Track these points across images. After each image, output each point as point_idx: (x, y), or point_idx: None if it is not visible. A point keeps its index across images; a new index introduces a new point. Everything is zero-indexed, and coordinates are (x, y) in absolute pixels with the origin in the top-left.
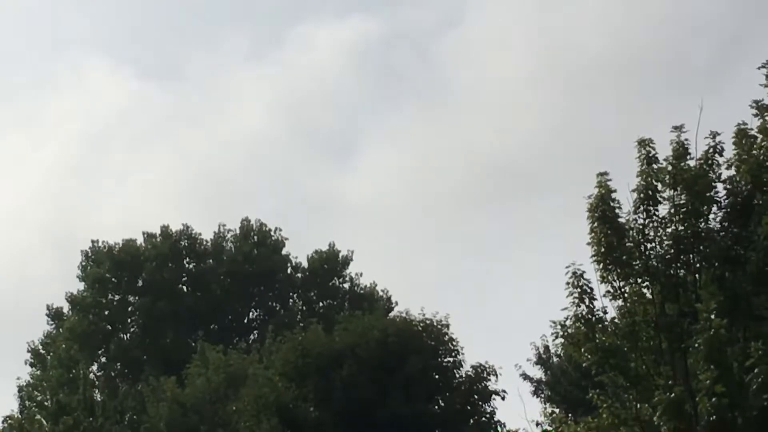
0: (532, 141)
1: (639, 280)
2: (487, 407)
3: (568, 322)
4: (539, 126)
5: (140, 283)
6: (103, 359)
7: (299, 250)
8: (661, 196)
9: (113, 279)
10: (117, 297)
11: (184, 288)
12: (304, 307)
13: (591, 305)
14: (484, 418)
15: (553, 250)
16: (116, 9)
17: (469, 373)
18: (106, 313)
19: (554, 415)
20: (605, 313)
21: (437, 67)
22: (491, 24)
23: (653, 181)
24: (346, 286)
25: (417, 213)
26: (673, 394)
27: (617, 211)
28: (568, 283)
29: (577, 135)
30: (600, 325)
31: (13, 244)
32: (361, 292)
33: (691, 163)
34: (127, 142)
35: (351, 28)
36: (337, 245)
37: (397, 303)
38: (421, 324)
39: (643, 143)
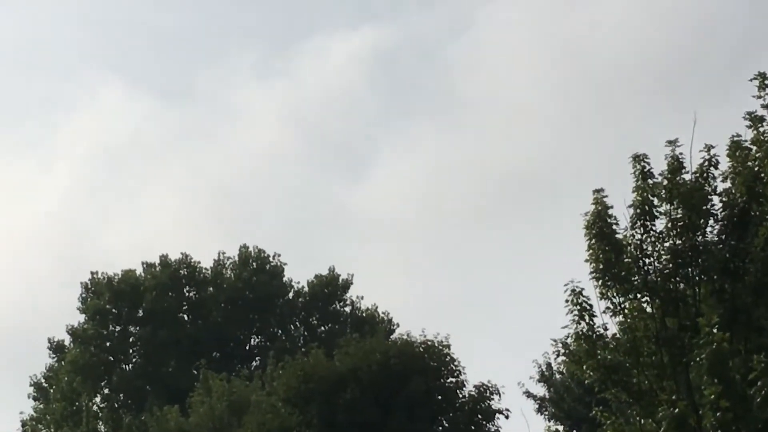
0: (545, 152)
1: (638, 296)
2: (491, 426)
3: (569, 340)
4: (552, 136)
5: (141, 313)
6: (106, 391)
7: (300, 275)
8: (657, 211)
9: (113, 310)
10: (118, 328)
11: (185, 316)
12: (306, 332)
13: (591, 322)
14: None
15: (564, 265)
16: (124, 28)
17: (472, 392)
18: (108, 344)
19: None
20: (606, 329)
21: (449, 77)
22: (503, 32)
23: (649, 196)
24: (347, 309)
25: (426, 228)
26: (676, 409)
27: (614, 227)
28: (567, 301)
29: (593, 145)
30: (601, 342)
31: (21, 272)
32: (362, 315)
33: (687, 176)
34: (140, 161)
35: (361, 39)
36: (345, 260)
37: (398, 325)
38: (423, 345)
39: (638, 158)
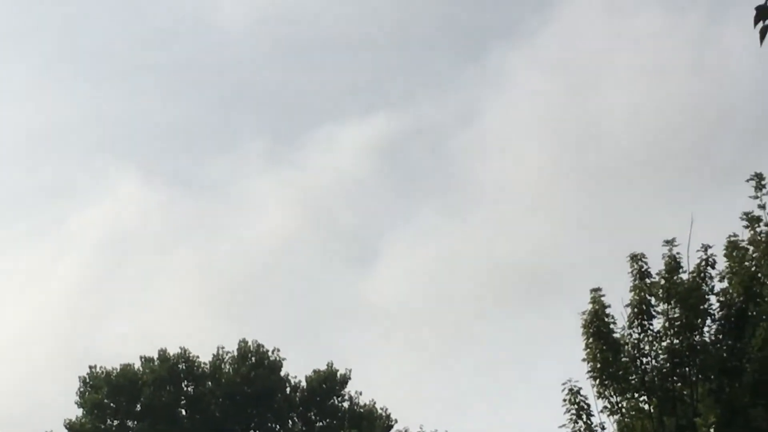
0: (549, 245)
1: (636, 395)
2: None
3: None
4: (557, 229)
5: (139, 407)
6: None
7: (302, 368)
8: (655, 311)
9: (111, 404)
10: (116, 422)
11: (183, 411)
12: (304, 428)
13: (589, 421)
14: None
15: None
16: (138, 118)
17: None
18: None
19: None
20: (603, 429)
21: (456, 167)
22: (510, 123)
23: (647, 295)
24: (346, 405)
25: (430, 321)
26: None
27: (612, 326)
28: (564, 400)
29: (595, 240)
30: None
31: (22, 363)
32: (361, 410)
33: (684, 276)
34: (149, 252)
35: (370, 128)
36: (349, 352)
37: (396, 421)
38: None
39: (635, 258)
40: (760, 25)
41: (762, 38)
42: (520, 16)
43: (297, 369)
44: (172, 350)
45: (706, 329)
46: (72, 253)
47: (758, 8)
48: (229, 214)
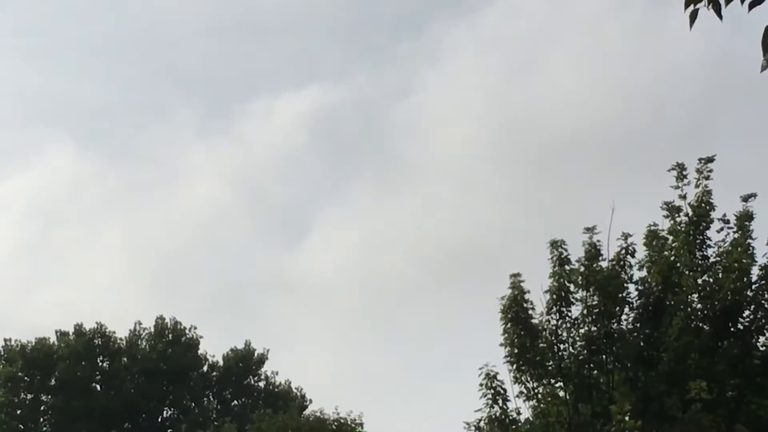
0: (479, 224)
1: (552, 381)
2: None
3: (482, 424)
4: (488, 209)
5: (53, 381)
6: None
7: (219, 346)
8: (573, 297)
9: (26, 378)
10: (30, 396)
11: (98, 387)
12: (219, 406)
13: (505, 406)
14: None
15: (485, 346)
16: (66, 87)
17: None
18: (18, 412)
19: None
20: (519, 414)
21: (392, 142)
22: (446, 97)
23: (566, 282)
24: (262, 384)
25: (356, 299)
26: None
27: (530, 312)
28: (481, 384)
29: (532, 218)
30: (514, 426)
31: None
32: (277, 390)
33: (604, 264)
34: (76, 222)
35: (306, 101)
36: (272, 330)
37: (311, 401)
38: (336, 423)
39: (555, 244)
40: (691, 8)
41: (691, 22)
42: None
43: (219, 345)
44: (90, 325)
45: (623, 317)
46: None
47: None
48: (160, 186)
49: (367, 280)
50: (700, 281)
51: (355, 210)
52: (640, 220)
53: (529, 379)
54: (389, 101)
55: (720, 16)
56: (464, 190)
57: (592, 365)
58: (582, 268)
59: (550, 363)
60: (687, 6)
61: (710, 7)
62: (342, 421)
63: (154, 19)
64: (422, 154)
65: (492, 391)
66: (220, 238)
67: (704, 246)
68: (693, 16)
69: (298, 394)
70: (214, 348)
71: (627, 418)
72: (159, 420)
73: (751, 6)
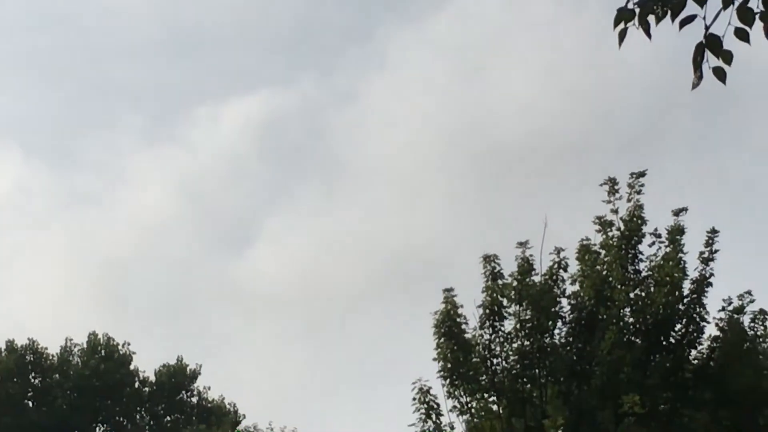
0: (426, 231)
1: (486, 395)
2: None
3: None
4: (438, 215)
5: None
6: None
7: (153, 360)
8: (506, 312)
9: None
10: None
11: (30, 403)
12: (152, 422)
13: (438, 421)
14: None
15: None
16: (11, 94)
17: None
18: None
19: None
20: (452, 428)
21: (340, 148)
22: (394, 103)
23: (498, 296)
24: (194, 400)
25: (301, 311)
26: None
27: (463, 326)
28: (414, 399)
29: (477, 228)
30: None
31: None
32: (209, 405)
33: (536, 278)
34: (17, 228)
35: (251, 107)
36: (210, 341)
37: (244, 416)
38: None
39: (488, 259)
40: (621, 26)
41: (620, 41)
42: None
43: (155, 358)
44: (22, 341)
45: (556, 331)
46: None
47: (619, 10)
48: (105, 193)
49: (312, 288)
50: (632, 295)
51: (301, 216)
52: (575, 233)
53: (462, 393)
54: (336, 106)
55: (649, 36)
56: (411, 196)
57: (525, 379)
58: (515, 283)
59: (484, 377)
60: (616, 25)
61: (639, 26)
62: None
63: (97, 31)
64: (369, 160)
65: (425, 405)
66: (164, 246)
67: (636, 260)
68: (622, 35)
69: (231, 409)
70: (149, 362)
71: None
72: None
73: (682, 24)
